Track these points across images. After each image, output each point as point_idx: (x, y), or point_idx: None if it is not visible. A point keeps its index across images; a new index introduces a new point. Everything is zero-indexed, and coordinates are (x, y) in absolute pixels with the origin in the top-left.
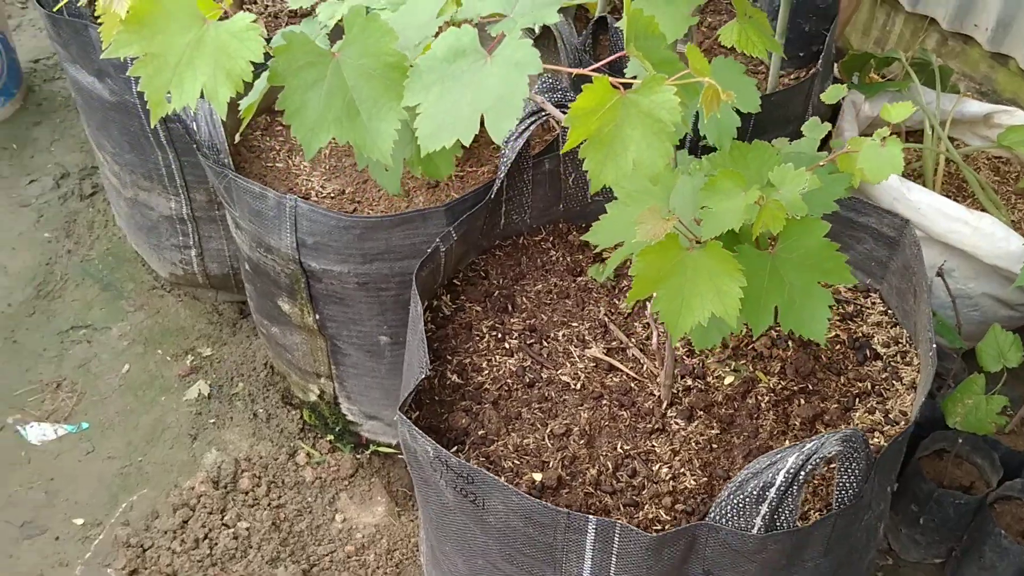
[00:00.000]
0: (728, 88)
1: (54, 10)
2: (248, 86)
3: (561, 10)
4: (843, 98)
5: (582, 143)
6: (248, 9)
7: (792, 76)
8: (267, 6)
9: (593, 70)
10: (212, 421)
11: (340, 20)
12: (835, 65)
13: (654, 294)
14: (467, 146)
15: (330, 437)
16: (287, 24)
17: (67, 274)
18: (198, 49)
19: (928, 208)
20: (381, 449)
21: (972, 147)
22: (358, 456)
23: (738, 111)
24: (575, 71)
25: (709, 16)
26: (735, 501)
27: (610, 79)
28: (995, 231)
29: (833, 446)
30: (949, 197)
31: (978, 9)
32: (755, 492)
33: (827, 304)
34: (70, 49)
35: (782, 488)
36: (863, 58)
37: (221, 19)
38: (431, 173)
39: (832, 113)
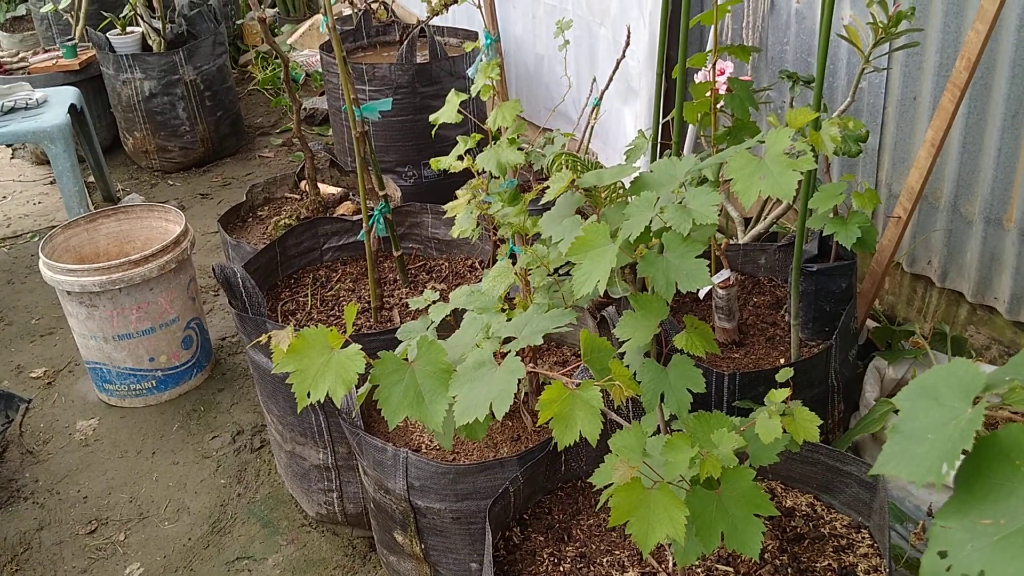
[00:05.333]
0: (680, 376)
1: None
2: (363, 379)
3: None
4: (870, 363)
5: (550, 419)
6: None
7: (819, 346)
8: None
9: (564, 372)
10: None
11: (448, 316)
12: (867, 334)
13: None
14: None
15: None
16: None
17: (236, 513)
18: (327, 366)
19: None
20: None
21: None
22: None
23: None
24: (549, 375)
25: (755, 296)
26: None
27: (563, 380)
28: None
29: None
30: None
31: (994, 286)
32: None
33: (760, 530)
34: (251, 336)
35: None
36: (888, 330)
37: (343, 347)
38: (471, 436)
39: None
